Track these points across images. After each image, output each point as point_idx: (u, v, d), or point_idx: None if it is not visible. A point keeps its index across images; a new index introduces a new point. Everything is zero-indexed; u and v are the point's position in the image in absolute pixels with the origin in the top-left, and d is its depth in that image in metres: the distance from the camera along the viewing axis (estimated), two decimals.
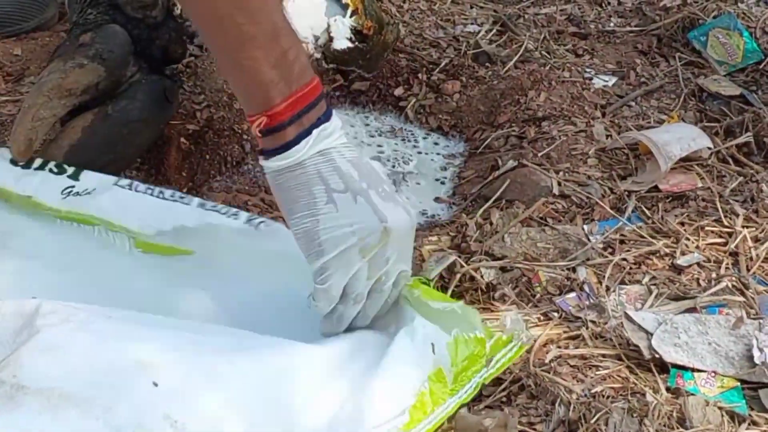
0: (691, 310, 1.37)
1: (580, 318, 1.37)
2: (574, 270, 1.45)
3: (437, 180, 1.82)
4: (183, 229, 1.40)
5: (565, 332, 1.34)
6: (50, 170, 1.50)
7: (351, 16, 1.60)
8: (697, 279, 1.44)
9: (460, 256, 1.46)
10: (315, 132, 1.19)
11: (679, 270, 1.45)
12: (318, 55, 1.59)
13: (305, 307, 1.25)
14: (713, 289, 1.40)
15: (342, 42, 1.60)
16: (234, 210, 1.42)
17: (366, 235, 1.19)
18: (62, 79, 1.51)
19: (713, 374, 1.26)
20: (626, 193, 1.62)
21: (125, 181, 1.47)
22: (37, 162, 1.50)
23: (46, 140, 1.54)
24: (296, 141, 1.18)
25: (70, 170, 1.49)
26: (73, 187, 1.47)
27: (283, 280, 1.34)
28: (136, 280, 1.38)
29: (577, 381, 1.26)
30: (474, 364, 1.23)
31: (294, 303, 1.31)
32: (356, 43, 1.60)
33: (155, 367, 1.10)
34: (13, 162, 1.50)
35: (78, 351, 1.11)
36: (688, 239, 1.51)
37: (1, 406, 1.04)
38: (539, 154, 1.72)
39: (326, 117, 1.20)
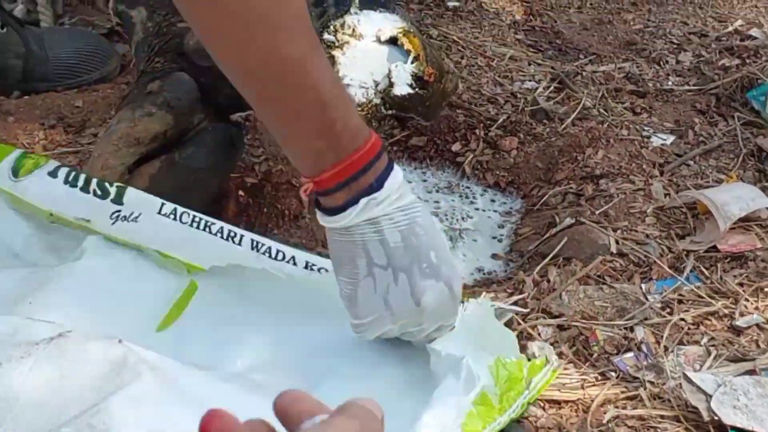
0: (751, 372, 1.36)
1: (638, 378, 1.36)
2: (631, 329, 1.44)
3: (494, 237, 1.82)
4: (238, 269, 1.41)
5: (622, 392, 1.33)
6: (94, 192, 1.50)
7: (412, 62, 1.60)
8: (756, 341, 1.43)
9: (517, 314, 1.46)
10: (362, 202, 1.17)
11: (738, 331, 1.44)
12: (377, 101, 1.59)
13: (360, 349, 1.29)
14: None
15: (403, 87, 1.60)
16: (290, 254, 1.42)
17: (399, 311, 1.22)
18: (131, 128, 1.53)
19: None
20: (685, 252, 1.61)
21: (169, 207, 1.48)
22: (81, 179, 1.51)
23: None
24: (344, 207, 1.18)
25: (113, 191, 1.50)
26: (119, 211, 1.49)
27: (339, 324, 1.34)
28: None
29: None
30: (514, 386, 1.26)
31: (350, 346, 1.32)
32: (417, 89, 1.60)
33: None
34: (52, 174, 1.52)
35: (164, 409, 1.13)
36: (747, 300, 1.50)
37: None
38: (597, 212, 1.71)
39: (379, 183, 1.17)
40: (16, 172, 1.52)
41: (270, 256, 1.43)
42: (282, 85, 1.16)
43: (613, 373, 1.37)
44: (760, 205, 1.67)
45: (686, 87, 2.13)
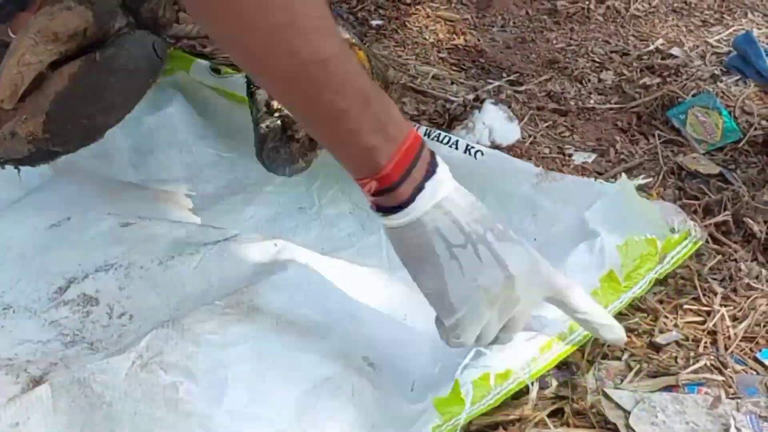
0: (671, 387, 1.36)
1: (558, 395, 1.36)
2: None
3: None
4: None
5: (543, 409, 1.33)
6: None
7: None
8: (675, 357, 1.44)
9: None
10: (428, 186, 1.17)
11: (657, 348, 1.45)
12: None
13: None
14: (692, 368, 1.40)
15: None
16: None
17: (491, 287, 1.18)
18: (49, 21, 1.47)
19: None
20: None
21: None
22: None
23: (31, 89, 1.50)
24: (411, 199, 1.16)
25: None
26: None
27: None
28: None
29: None
30: (646, 263, 1.41)
31: None
32: None
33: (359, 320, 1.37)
34: None
35: (303, 295, 1.36)
36: (666, 317, 1.51)
37: (237, 320, 1.27)
38: None
39: (433, 166, 1.18)
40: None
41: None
42: (323, 86, 1.13)
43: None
44: None
45: (608, 105, 2.15)
